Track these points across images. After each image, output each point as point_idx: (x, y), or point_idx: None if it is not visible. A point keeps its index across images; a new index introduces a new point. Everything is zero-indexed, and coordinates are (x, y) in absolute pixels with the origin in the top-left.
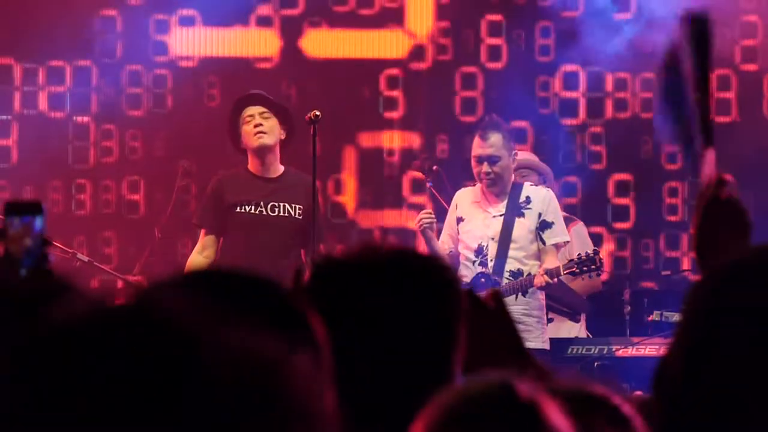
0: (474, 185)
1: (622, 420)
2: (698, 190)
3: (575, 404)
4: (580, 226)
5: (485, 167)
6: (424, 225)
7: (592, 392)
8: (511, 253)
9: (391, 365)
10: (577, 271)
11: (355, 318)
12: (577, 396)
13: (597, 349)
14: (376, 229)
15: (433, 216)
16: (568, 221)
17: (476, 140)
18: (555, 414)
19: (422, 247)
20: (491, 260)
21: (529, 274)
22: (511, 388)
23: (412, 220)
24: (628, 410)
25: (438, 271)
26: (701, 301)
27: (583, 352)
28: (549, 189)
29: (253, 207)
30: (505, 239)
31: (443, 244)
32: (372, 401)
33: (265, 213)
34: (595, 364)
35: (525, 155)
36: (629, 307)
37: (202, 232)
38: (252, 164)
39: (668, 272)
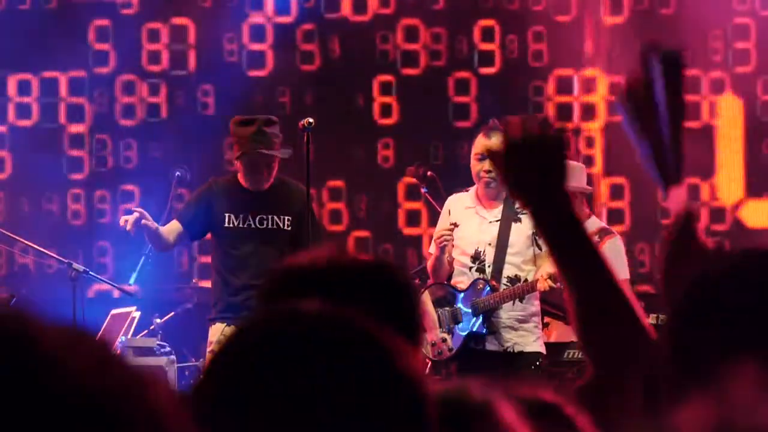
0: (466, 191)
1: (572, 427)
2: (666, 228)
3: (529, 409)
4: (615, 240)
5: (487, 165)
6: (445, 243)
7: (545, 399)
8: (508, 258)
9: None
10: None
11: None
12: (531, 402)
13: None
14: (371, 237)
15: (452, 235)
16: (603, 233)
17: (479, 139)
18: (508, 414)
19: (430, 260)
20: (489, 266)
21: (526, 279)
22: (466, 391)
23: (407, 227)
24: (581, 420)
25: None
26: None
27: (580, 356)
28: None
29: (240, 220)
30: (502, 244)
31: (434, 250)
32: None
33: (253, 226)
34: None
35: None
36: None
37: (173, 219)
38: (242, 177)
39: None
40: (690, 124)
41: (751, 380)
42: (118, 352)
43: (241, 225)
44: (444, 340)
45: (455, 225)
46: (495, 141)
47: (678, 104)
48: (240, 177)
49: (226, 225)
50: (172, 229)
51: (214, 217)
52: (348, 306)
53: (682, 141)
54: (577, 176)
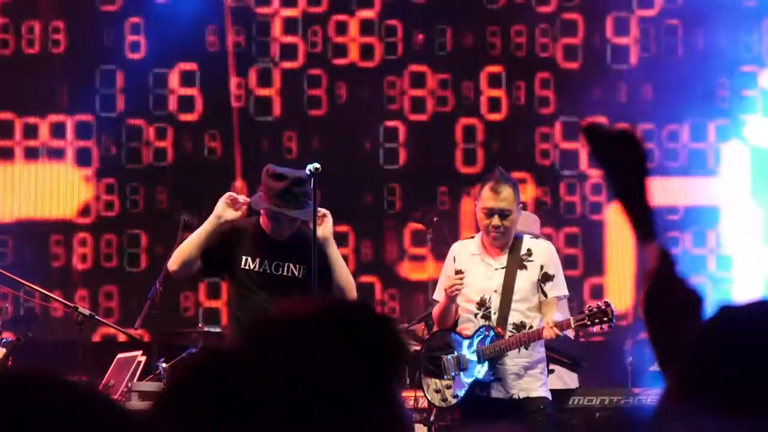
0: (471, 238)
1: None
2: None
3: None
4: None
5: (495, 220)
6: (456, 292)
7: None
8: (514, 305)
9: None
10: (588, 323)
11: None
12: None
13: (599, 400)
14: (377, 282)
15: (463, 284)
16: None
17: (487, 192)
18: None
19: (436, 307)
20: (494, 313)
21: (532, 326)
22: None
23: (413, 272)
24: None
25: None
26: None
27: (585, 402)
28: (549, 242)
29: (257, 264)
30: (508, 291)
31: (440, 297)
32: None
33: (269, 271)
34: (597, 415)
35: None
36: (631, 358)
37: None
38: (264, 223)
39: None
40: None
41: None
42: (124, 397)
43: (257, 269)
44: (449, 387)
45: (460, 272)
46: (505, 195)
47: (636, 166)
48: (262, 221)
49: (243, 266)
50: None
51: (231, 256)
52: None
53: (646, 200)
54: (529, 224)
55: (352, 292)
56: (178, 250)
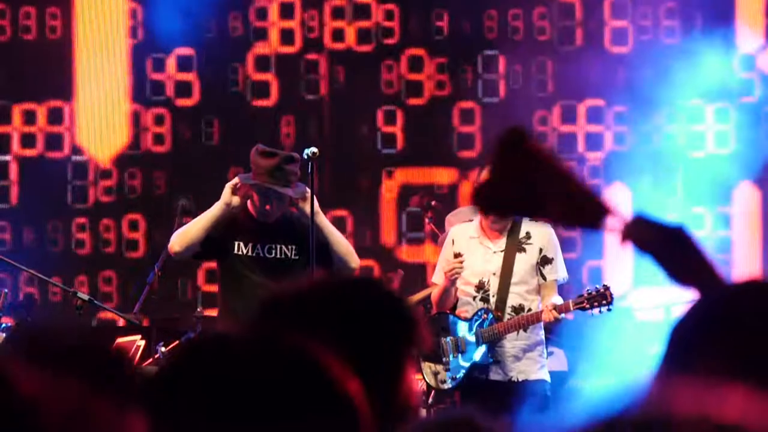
0: (470, 221)
1: None
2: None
3: None
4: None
5: None
6: (456, 275)
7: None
8: (512, 288)
9: None
10: (588, 306)
11: None
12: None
13: (596, 382)
14: (375, 265)
15: (463, 267)
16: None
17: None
18: None
19: (436, 289)
20: (493, 295)
21: (530, 309)
22: (472, 420)
23: (411, 256)
24: None
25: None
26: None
27: (583, 384)
28: (548, 225)
29: (250, 249)
30: (506, 274)
31: (439, 280)
32: None
33: (262, 255)
34: (593, 396)
35: None
36: (628, 340)
37: None
38: (251, 208)
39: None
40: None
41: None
42: None
43: (249, 253)
44: (447, 370)
45: (459, 255)
46: None
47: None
48: (249, 204)
49: (236, 252)
50: None
51: (223, 242)
52: (329, 328)
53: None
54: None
55: (354, 259)
56: (182, 231)
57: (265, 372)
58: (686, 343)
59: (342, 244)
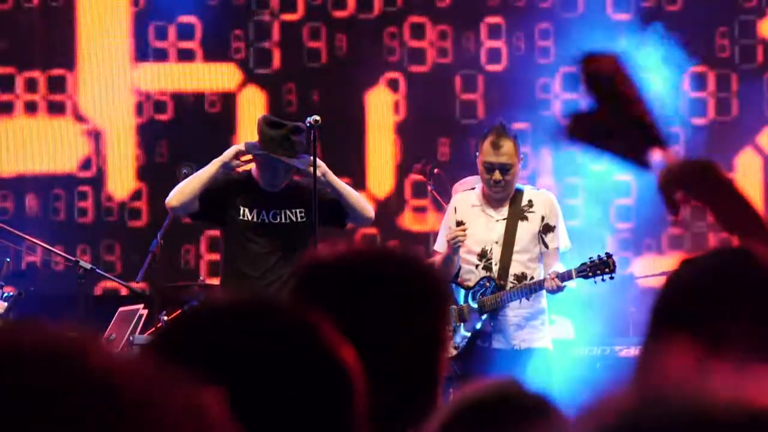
0: (473, 189)
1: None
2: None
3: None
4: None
5: (497, 175)
6: (459, 243)
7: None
8: (515, 256)
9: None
10: (591, 274)
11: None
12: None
13: (599, 350)
14: (378, 233)
15: (465, 235)
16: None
17: (487, 147)
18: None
19: (438, 257)
20: (495, 264)
21: (533, 277)
22: (518, 386)
23: (414, 224)
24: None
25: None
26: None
27: (586, 352)
28: (551, 193)
29: (255, 215)
30: (509, 243)
31: (441, 248)
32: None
33: (267, 221)
34: (598, 364)
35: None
36: (633, 308)
37: None
38: (257, 175)
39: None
40: None
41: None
42: (126, 349)
43: (255, 219)
44: (451, 338)
45: (461, 223)
46: (505, 150)
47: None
48: (254, 172)
49: (241, 218)
50: None
51: (229, 205)
52: (372, 299)
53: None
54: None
55: (368, 209)
56: (180, 186)
57: (255, 339)
58: (672, 312)
59: (356, 199)
